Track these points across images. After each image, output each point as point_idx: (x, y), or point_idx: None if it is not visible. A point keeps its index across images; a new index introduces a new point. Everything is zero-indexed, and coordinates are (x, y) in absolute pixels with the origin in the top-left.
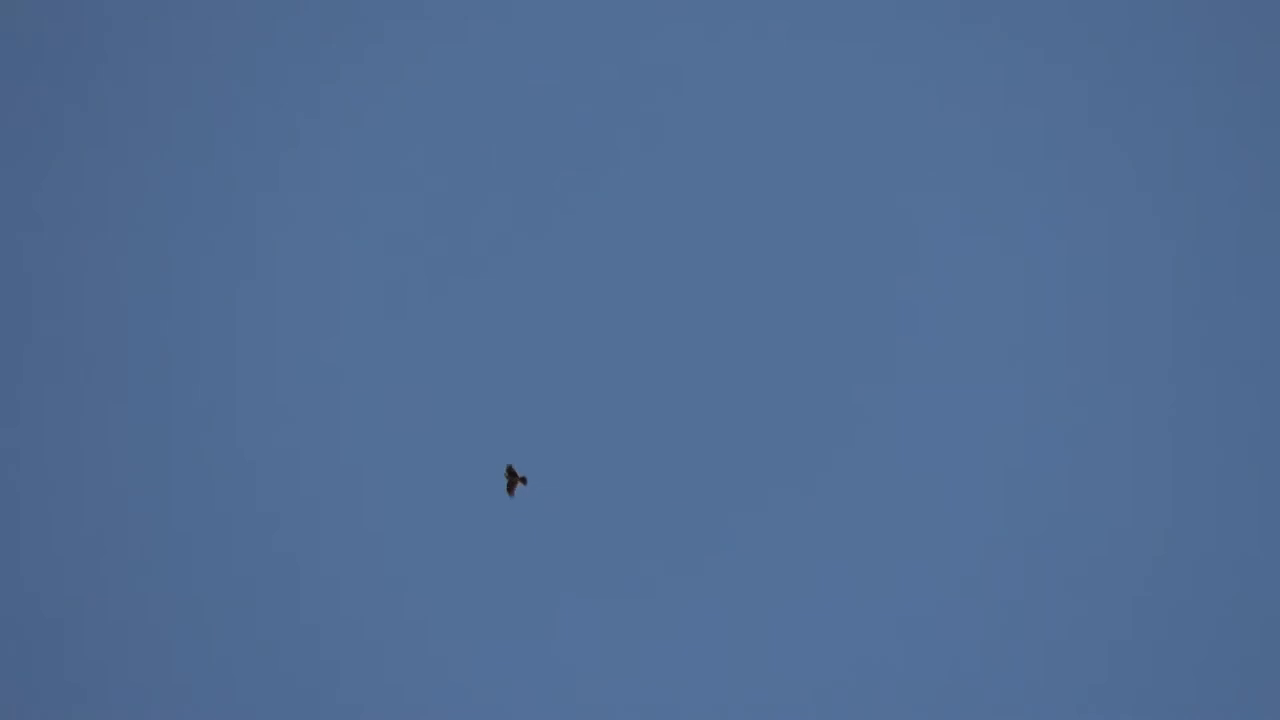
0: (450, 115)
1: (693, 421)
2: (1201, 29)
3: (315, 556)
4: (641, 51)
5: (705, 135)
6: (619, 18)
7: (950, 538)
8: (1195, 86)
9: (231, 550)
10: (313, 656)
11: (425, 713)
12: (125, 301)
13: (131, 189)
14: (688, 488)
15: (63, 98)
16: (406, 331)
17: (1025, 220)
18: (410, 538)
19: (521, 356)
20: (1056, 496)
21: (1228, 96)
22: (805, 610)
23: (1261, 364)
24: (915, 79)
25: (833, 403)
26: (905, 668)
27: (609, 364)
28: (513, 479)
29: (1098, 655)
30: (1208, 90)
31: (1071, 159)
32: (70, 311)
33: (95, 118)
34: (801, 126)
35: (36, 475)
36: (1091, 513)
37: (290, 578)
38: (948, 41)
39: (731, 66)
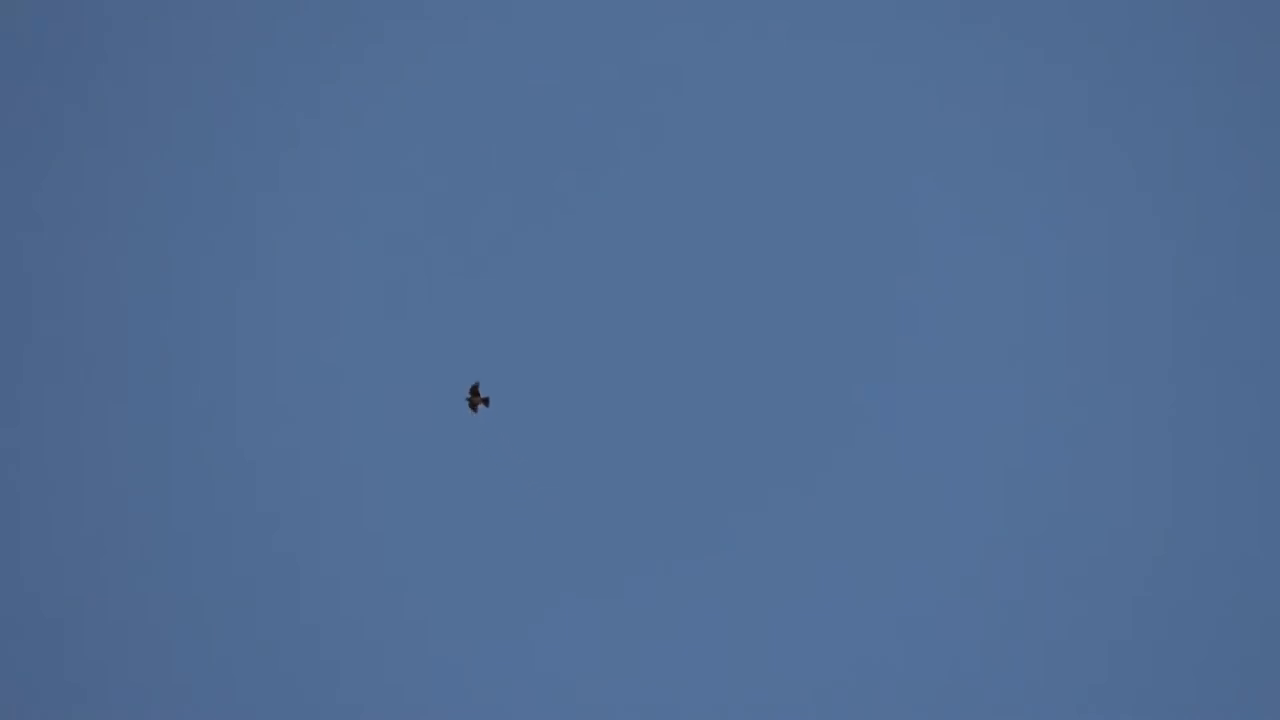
0: (450, 115)
1: (693, 421)
2: (1201, 29)
3: (315, 556)
4: (641, 51)
5: (705, 135)
6: (619, 18)
7: (950, 537)
8: (1195, 86)
9: (231, 550)
10: (312, 656)
11: (424, 713)
12: (125, 301)
13: (131, 189)
14: (687, 487)
15: (63, 98)
16: (406, 331)
17: (1025, 220)
18: (410, 537)
19: (521, 356)
20: (1056, 496)
21: (1227, 96)
22: (805, 610)
23: (1261, 364)
24: (915, 79)
25: (832, 402)
26: (905, 668)
27: (609, 363)
28: (475, 398)
29: (1098, 655)
30: (1207, 90)
31: (1071, 159)
32: (70, 311)
33: (95, 118)
34: (801, 126)
35: (36, 475)
36: (1091, 513)
37: (290, 577)
38: (948, 41)
39: (731, 66)
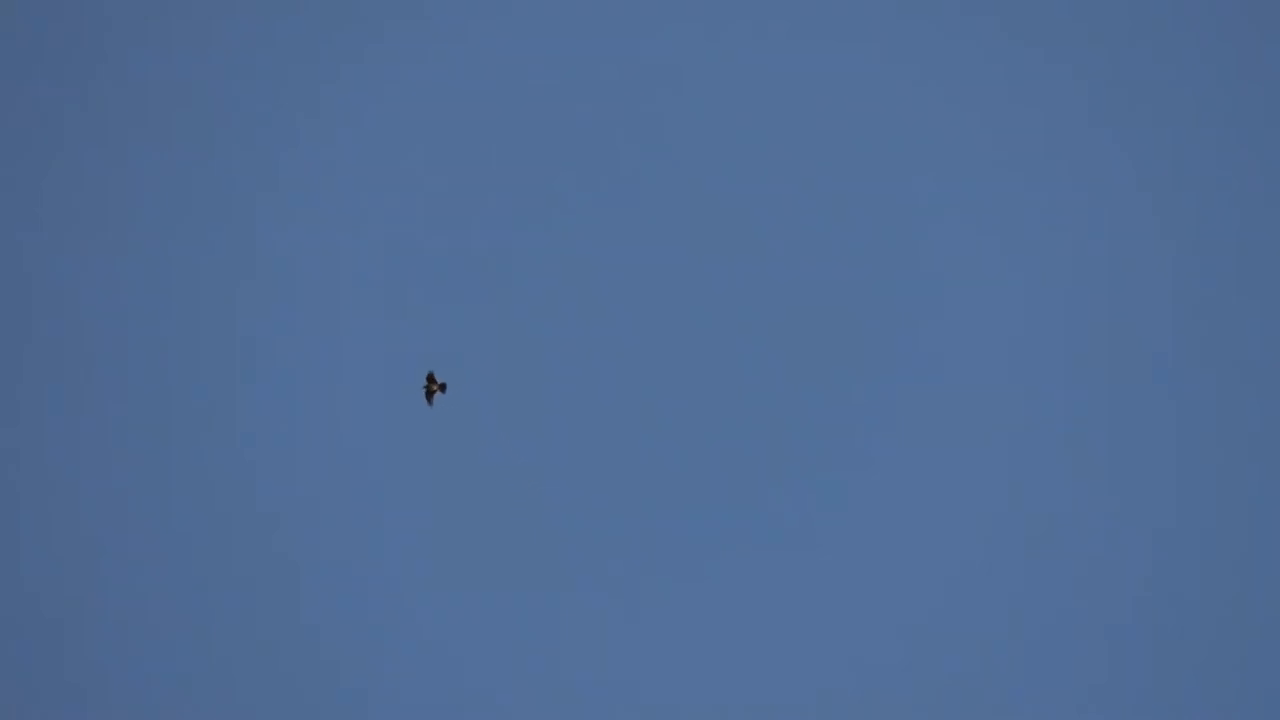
0: (452, 116)
1: (695, 420)
2: (1203, 30)
3: (315, 556)
4: (642, 52)
5: (708, 137)
6: (620, 19)
7: (952, 540)
8: (1198, 88)
9: (231, 550)
10: (313, 657)
11: (424, 711)
12: (125, 302)
13: (132, 189)
14: (688, 488)
15: (63, 98)
16: (406, 332)
17: (1028, 223)
18: (411, 537)
19: (522, 357)
20: (1057, 499)
21: (1231, 97)
22: (805, 610)
23: (1261, 366)
24: (916, 81)
25: (834, 402)
26: (903, 669)
27: (612, 364)
28: (431, 386)
29: (1097, 659)
30: (1210, 92)
31: (1075, 161)
32: (70, 311)
33: (95, 117)
34: (804, 129)
35: (37, 475)
36: (1093, 515)
37: (290, 577)
38: (949, 43)
39: (733, 68)
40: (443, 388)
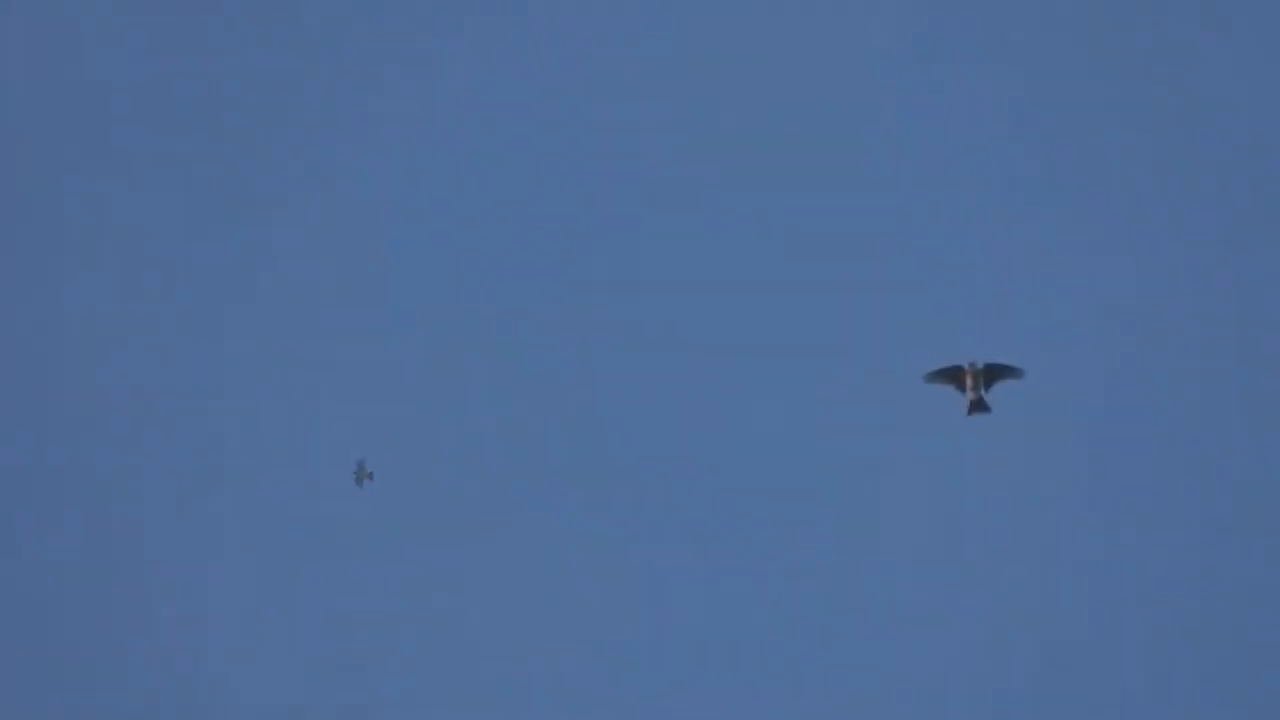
0: (460, 122)
1: (697, 421)
2: (1204, 30)
3: (315, 555)
4: (652, 57)
5: (710, 140)
6: (629, 23)
7: (954, 540)
8: (1202, 87)
9: (229, 549)
10: (313, 655)
11: (424, 710)
12: (125, 309)
13: (134, 196)
14: (688, 488)
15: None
16: (408, 340)
17: (1031, 225)
18: (413, 537)
19: (524, 357)
20: (1060, 500)
21: (1238, 98)
22: (805, 609)
23: (1263, 367)
24: (922, 85)
25: (835, 402)
26: (905, 669)
27: (615, 363)
28: (361, 472)
29: (1100, 659)
30: (1217, 90)
31: (1080, 164)
32: (71, 315)
33: (96, 116)
34: (809, 131)
35: (34, 476)
36: (1096, 516)
37: (291, 575)
38: (955, 48)
39: (744, 74)
40: (370, 476)
